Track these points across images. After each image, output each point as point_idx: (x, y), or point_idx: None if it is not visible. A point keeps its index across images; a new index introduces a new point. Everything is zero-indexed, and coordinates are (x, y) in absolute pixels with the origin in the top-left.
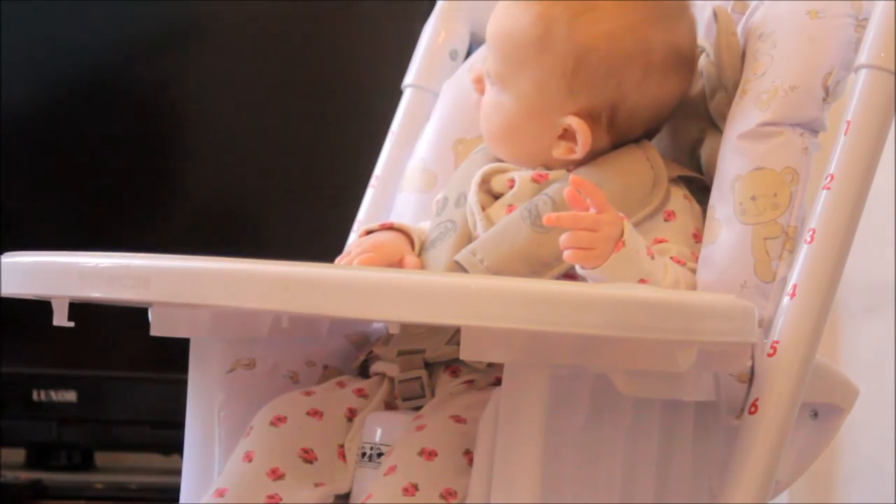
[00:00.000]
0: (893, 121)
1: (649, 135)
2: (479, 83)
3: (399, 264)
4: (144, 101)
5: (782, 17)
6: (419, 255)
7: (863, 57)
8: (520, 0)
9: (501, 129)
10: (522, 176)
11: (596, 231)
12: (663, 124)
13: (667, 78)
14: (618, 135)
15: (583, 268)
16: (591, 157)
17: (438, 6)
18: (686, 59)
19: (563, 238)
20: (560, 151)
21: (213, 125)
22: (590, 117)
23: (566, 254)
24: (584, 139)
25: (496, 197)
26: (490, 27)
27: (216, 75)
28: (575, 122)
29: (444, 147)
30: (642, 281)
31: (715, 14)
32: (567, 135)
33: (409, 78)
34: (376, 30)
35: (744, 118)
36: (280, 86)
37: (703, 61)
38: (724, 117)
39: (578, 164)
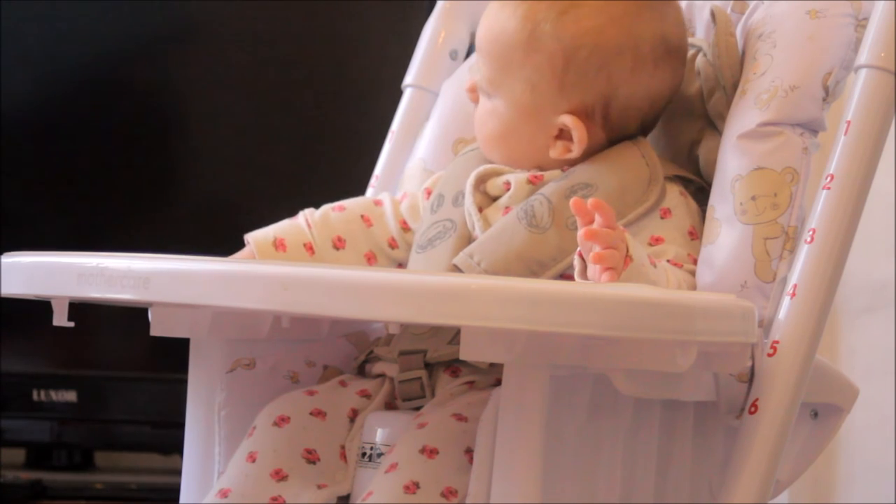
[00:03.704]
0: (893, 121)
1: (645, 129)
2: (472, 92)
3: None
4: (144, 100)
5: (782, 16)
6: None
7: (863, 57)
8: (505, 3)
9: (497, 134)
10: (518, 178)
11: (617, 249)
12: (658, 118)
13: (657, 69)
14: (613, 130)
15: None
16: (587, 155)
17: (438, 6)
18: (675, 49)
19: (594, 256)
20: (557, 151)
21: (213, 124)
22: (584, 114)
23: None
24: (579, 137)
25: (494, 199)
26: (479, 32)
27: (216, 75)
28: (570, 121)
29: (443, 147)
30: None
31: (713, 14)
32: (563, 134)
33: (409, 78)
34: (376, 30)
35: (744, 118)
36: (279, 85)
37: (700, 61)
38: (722, 117)
39: (573, 163)
